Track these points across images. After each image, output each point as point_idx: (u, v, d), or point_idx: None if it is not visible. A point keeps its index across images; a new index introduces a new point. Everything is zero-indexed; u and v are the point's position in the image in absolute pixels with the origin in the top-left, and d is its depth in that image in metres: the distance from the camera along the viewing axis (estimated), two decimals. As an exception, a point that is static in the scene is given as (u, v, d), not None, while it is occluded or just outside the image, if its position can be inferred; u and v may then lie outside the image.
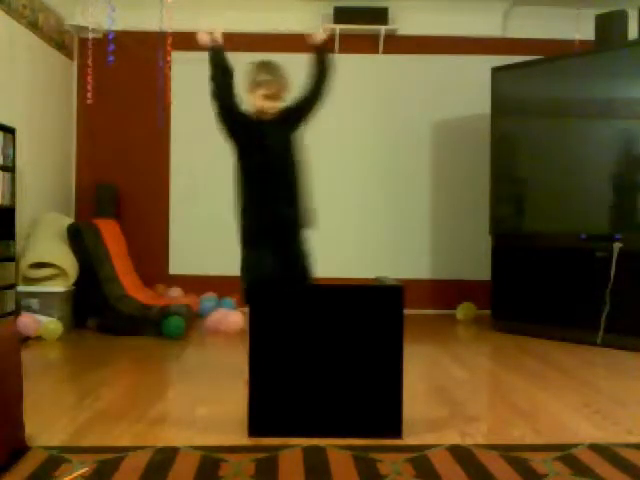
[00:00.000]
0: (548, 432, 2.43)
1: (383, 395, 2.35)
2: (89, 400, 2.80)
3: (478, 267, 5.44)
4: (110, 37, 4.70)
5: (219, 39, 2.87)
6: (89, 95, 5.02)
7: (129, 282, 4.91)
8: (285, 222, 2.88)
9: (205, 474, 1.95)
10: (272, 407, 2.38)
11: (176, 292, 5.47)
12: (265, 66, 2.87)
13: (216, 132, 5.49)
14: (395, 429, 2.32)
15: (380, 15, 5.55)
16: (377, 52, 5.68)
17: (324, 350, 2.37)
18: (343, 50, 5.66)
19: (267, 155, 2.85)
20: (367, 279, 2.73)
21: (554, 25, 5.52)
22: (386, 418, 2.34)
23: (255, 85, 2.83)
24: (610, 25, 4.43)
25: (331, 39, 2.71)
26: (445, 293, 5.72)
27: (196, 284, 5.57)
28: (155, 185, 5.74)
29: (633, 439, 2.34)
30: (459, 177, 5.74)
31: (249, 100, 2.86)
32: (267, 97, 2.81)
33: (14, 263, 4.32)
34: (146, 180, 5.73)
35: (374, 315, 2.38)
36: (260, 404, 2.38)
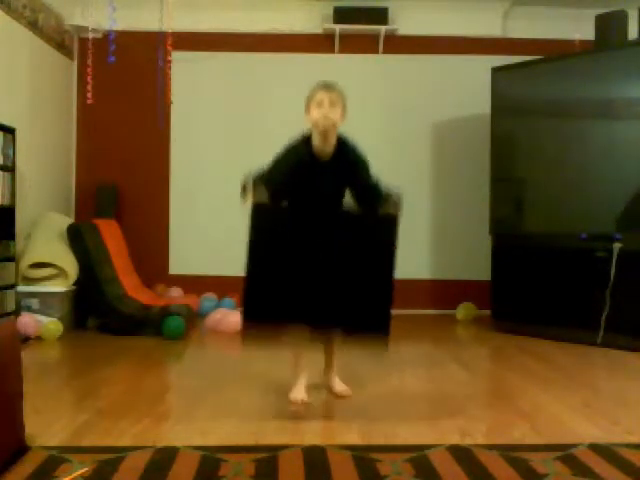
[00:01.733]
0: (548, 432, 2.43)
1: (374, 295, 2.60)
2: (89, 400, 2.80)
3: (478, 267, 5.44)
4: (111, 37, 4.70)
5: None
6: (89, 95, 5.02)
7: (129, 282, 4.91)
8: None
9: (205, 474, 1.95)
10: (266, 298, 2.55)
11: (176, 292, 5.47)
12: (320, 84, 2.74)
13: (216, 132, 5.55)
14: (384, 328, 2.60)
15: (380, 15, 5.55)
16: (377, 52, 5.68)
17: (322, 252, 2.58)
18: (343, 50, 5.67)
19: (314, 194, 2.77)
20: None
21: (554, 25, 5.52)
22: (375, 317, 2.62)
23: (310, 101, 2.72)
24: (610, 25, 4.43)
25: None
26: (445, 293, 5.72)
27: (196, 284, 5.56)
28: (155, 185, 5.74)
29: (633, 439, 2.34)
30: (459, 177, 5.74)
31: (309, 122, 2.73)
32: (320, 105, 2.66)
33: (14, 263, 4.32)
34: (146, 180, 5.73)
35: (371, 233, 2.66)
36: (255, 294, 2.56)
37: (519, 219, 4.82)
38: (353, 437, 2.34)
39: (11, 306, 4.26)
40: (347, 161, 2.77)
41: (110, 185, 5.56)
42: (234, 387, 3.05)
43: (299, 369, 2.85)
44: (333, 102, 2.68)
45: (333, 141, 2.73)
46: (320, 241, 2.65)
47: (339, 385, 2.94)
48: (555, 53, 4.79)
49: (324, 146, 2.72)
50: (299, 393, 2.75)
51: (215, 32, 5.62)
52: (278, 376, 3.08)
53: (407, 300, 5.73)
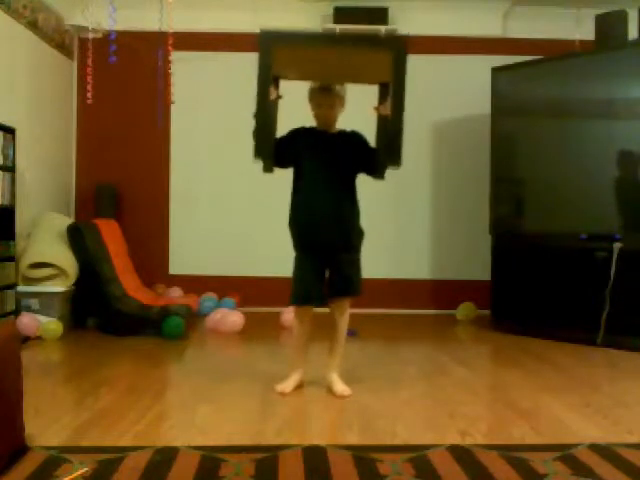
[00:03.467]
0: (548, 432, 2.43)
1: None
2: (89, 400, 2.80)
3: (478, 267, 5.44)
4: (111, 37, 4.70)
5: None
6: (89, 95, 5.02)
7: (129, 282, 4.91)
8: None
9: (205, 474, 1.95)
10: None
11: (176, 292, 5.47)
12: (320, 86, 2.98)
13: (216, 132, 5.51)
14: None
15: (380, 15, 5.54)
16: (377, 52, 5.68)
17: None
18: (343, 50, 5.66)
19: (320, 159, 2.95)
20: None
21: (554, 25, 5.51)
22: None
23: (310, 98, 3.00)
24: (610, 25, 4.42)
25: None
26: (445, 293, 5.72)
27: (196, 284, 5.56)
28: (155, 185, 5.74)
29: (633, 439, 2.34)
30: (459, 177, 5.74)
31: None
32: (319, 106, 2.96)
33: (14, 263, 4.32)
34: (146, 180, 5.73)
35: None
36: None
37: (519, 219, 4.83)
38: (353, 437, 2.35)
39: (11, 306, 4.26)
40: (348, 135, 3.04)
41: (110, 185, 5.56)
42: (234, 387, 3.05)
43: (295, 365, 3.03)
44: (331, 105, 2.96)
45: (334, 129, 3.04)
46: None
47: (339, 385, 2.95)
48: (555, 53, 4.78)
49: (328, 128, 3.02)
50: (285, 386, 2.95)
51: (215, 32, 5.62)
52: (278, 376, 3.08)
53: (407, 300, 5.74)
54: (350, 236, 2.97)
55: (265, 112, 2.85)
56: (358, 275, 3.00)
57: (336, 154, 2.96)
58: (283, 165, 2.99)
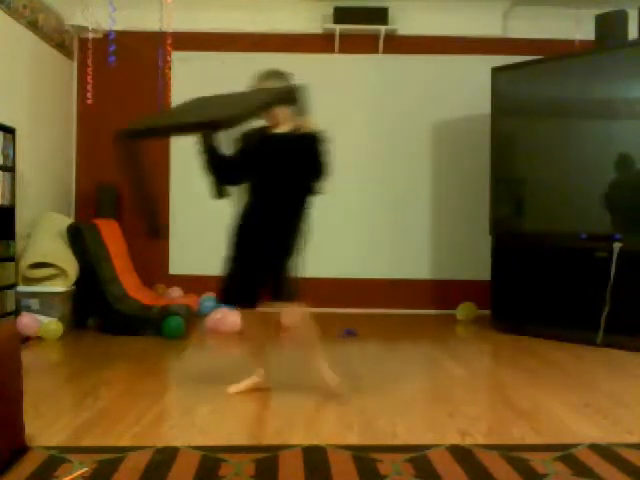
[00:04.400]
0: (548, 432, 2.43)
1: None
2: (89, 400, 2.80)
3: (478, 267, 5.44)
4: (111, 37, 4.70)
5: None
6: (89, 95, 5.02)
7: (129, 282, 4.91)
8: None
9: (205, 474, 1.95)
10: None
11: (176, 292, 5.47)
12: (260, 77, 2.94)
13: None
14: None
15: (380, 15, 5.55)
16: (377, 52, 5.68)
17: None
18: (343, 50, 5.67)
19: (259, 161, 2.91)
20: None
21: (554, 25, 5.52)
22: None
23: None
24: (610, 25, 4.43)
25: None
26: (445, 293, 5.72)
27: (196, 284, 5.56)
28: (155, 185, 5.73)
29: (633, 439, 2.34)
30: (459, 177, 5.74)
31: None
32: (267, 117, 2.90)
33: (14, 263, 4.32)
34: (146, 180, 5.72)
35: None
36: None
37: (519, 219, 4.82)
38: (353, 437, 2.35)
39: (11, 306, 4.26)
40: (297, 136, 2.85)
41: (110, 185, 5.56)
42: (234, 387, 3.05)
43: (253, 368, 3.03)
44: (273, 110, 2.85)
45: (282, 127, 2.90)
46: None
47: (327, 373, 2.91)
48: (555, 53, 4.79)
49: (273, 127, 2.92)
50: (235, 387, 2.98)
51: (215, 32, 5.62)
52: (278, 376, 3.08)
53: (407, 300, 5.74)
54: (280, 241, 2.83)
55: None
56: (289, 279, 2.81)
57: (275, 156, 2.87)
58: (241, 182, 2.98)
